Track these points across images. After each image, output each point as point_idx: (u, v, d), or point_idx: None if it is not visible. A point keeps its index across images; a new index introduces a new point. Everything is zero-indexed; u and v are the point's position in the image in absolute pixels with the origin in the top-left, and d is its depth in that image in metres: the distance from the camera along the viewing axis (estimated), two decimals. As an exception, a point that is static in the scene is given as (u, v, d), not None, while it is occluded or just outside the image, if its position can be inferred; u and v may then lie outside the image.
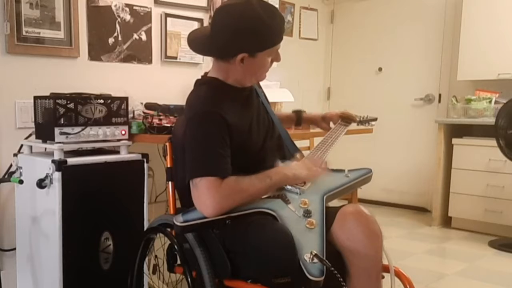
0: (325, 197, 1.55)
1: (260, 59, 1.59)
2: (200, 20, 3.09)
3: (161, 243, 1.83)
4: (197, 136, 1.51)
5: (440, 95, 4.58)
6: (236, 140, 1.54)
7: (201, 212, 1.44)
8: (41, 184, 1.97)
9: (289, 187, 1.57)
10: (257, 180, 1.49)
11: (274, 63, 1.68)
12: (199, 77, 1.73)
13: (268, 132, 1.72)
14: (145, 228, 2.13)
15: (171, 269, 1.70)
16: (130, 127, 2.26)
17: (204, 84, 1.66)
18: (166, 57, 2.95)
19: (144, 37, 2.84)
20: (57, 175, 1.95)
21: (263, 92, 1.87)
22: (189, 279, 1.53)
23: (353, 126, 2.24)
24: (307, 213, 1.47)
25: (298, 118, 2.08)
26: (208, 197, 1.43)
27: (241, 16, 1.53)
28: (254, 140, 1.65)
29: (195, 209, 1.47)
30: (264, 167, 1.56)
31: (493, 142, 3.50)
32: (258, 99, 1.77)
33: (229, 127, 1.52)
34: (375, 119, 2.26)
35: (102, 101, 2.13)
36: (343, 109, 2.24)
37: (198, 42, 1.66)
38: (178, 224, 1.44)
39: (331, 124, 2.06)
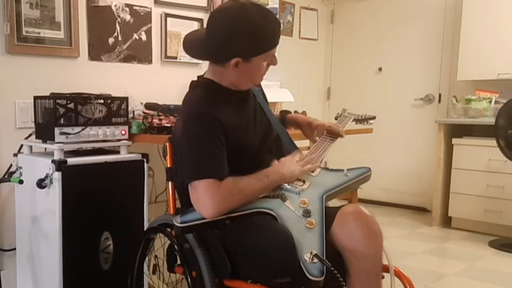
0: (324, 196, 1.55)
1: (255, 64, 1.58)
2: (200, 20, 3.09)
3: (161, 243, 1.83)
4: (193, 138, 1.52)
5: (440, 95, 4.58)
6: (232, 141, 1.54)
7: (201, 214, 1.45)
8: (41, 184, 1.97)
9: (288, 186, 1.57)
10: (255, 180, 1.50)
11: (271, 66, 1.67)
12: (195, 79, 1.73)
13: (265, 132, 1.72)
14: (145, 228, 2.13)
15: (171, 269, 1.70)
16: (130, 127, 2.26)
17: (198, 86, 1.67)
18: (166, 57, 2.95)
19: (144, 37, 2.84)
20: (57, 175, 1.95)
21: (262, 92, 1.87)
22: (189, 279, 1.53)
23: (353, 126, 2.24)
24: (307, 213, 1.47)
25: (282, 119, 1.96)
26: (206, 199, 1.43)
27: (235, 20, 1.51)
28: (251, 141, 1.65)
29: (194, 210, 1.47)
30: (262, 167, 1.56)
31: (493, 142, 3.50)
32: (255, 100, 1.77)
33: (224, 128, 1.52)
34: (374, 118, 2.25)
35: (102, 101, 2.13)
36: (341, 110, 2.24)
37: (193, 46, 1.65)
38: (178, 225, 1.45)
39: (316, 134, 1.91)
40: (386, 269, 1.52)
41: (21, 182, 2.00)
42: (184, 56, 3.05)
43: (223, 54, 1.56)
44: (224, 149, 1.52)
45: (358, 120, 2.19)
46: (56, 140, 2.01)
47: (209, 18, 1.59)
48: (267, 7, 3.42)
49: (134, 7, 2.77)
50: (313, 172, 1.67)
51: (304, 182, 1.60)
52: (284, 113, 2.02)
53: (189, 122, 1.54)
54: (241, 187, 1.47)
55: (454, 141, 3.98)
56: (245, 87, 1.67)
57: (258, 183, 1.50)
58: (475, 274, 2.98)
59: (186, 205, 1.57)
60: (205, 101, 1.58)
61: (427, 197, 4.62)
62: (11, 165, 2.26)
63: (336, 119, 2.12)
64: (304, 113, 2.84)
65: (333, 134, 1.88)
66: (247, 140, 1.63)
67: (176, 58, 3.00)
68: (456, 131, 4.05)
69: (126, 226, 2.17)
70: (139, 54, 2.82)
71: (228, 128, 1.54)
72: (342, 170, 1.69)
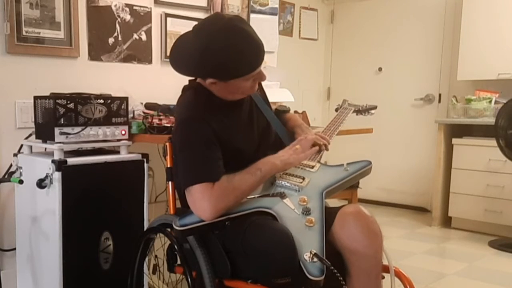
0: (324, 192, 1.55)
1: (234, 83, 1.55)
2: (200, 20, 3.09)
3: (161, 243, 1.83)
4: (184, 143, 1.53)
5: (440, 95, 4.58)
6: (225, 144, 1.55)
7: (199, 217, 1.45)
8: (41, 184, 1.97)
9: (287, 184, 1.57)
10: (248, 174, 1.50)
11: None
12: (187, 83, 1.73)
13: (264, 133, 1.72)
14: (145, 228, 2.13)
15: (171, 269, 1.70)
16: (130, 127, 2.26)
17: (190, 89, 1.67)
18: (166, 57, 2.95)
19: (144, 37, 2.83)
20: (57, 175, 1.95)
21: (260, 92, 1.86)
22: (189, 279, 1.53)
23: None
24: (306, 211, 1.47)
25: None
26: (203, 202, 1.44)
27: (212, 42, 1.48)
28: (246, 143, 1.65)
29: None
30: None
31: (493, 142, 3.50)
32: (251, 101, 1.76)
33: (215, 131, 1.53)
34: (375, 107, 2.23)
35: (102, 101, 2.13)
36: (341, 101, 2.22)
37: (176, 61, 1.63)
38: (178, 228, 1.45)
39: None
40: (386, 269, 1.52)
41: (21, 182, 1.99)
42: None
43: (199, 73, 1.58)
44: (217, 150, 1.52)
45: (359, 111, 2.17)
46: (56, 140, 2.01)
47: (193, 32, 1.56)
48: (267, 7, 3.43)
49: (134, 7, 2.77)
50: (312, 168, 1.67)
51: (303, 179, 1.60)
52: (277, 112, 1.92)
53: (180, 126, 1.56)
54: (236, 184, 1.47)
55: (454, 141, 3.98)
56: (232, 99, 1.64)
57: (252, 177, 1.50)
58: (475, 274, 2.98)
59: (186, 205, 1.57)
60: (194, 105, 1.59)
61: (427, 197, 4.62)
62: (11, 165, 2.26)
63: (336, 110, 2.11)
64: (304, 113, 2.84)
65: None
66: (241, 142, 1.63)
67: (176, 58, 3.00)
68: (456, 131, 4.05)
69: (126, 226, 2.16)
70: (139, 54, 2.82)
71: (219, 131, 1.54)
72: (342, 165, 1.69)
